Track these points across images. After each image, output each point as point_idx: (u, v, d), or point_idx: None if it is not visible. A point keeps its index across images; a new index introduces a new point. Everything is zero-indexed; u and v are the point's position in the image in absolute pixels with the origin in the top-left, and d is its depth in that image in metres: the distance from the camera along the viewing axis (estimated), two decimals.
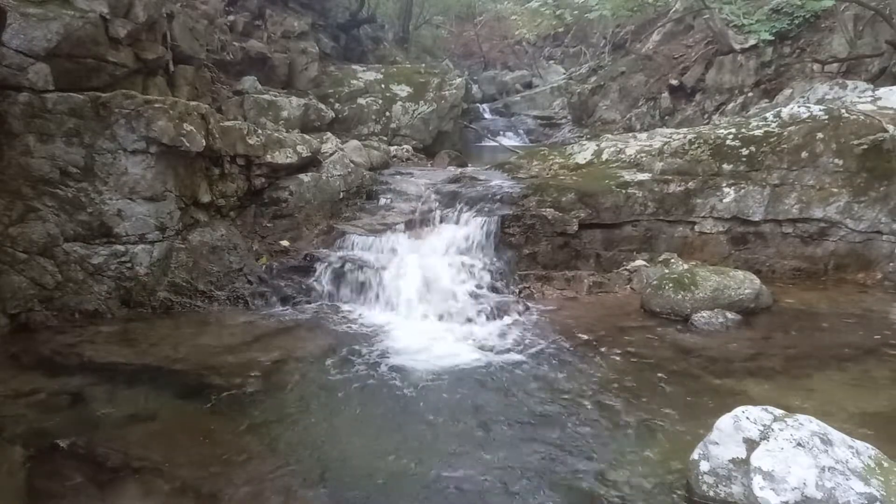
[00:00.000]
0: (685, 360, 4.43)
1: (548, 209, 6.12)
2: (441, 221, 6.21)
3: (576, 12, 13.58)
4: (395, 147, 9.70)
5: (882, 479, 2.54)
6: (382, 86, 11.03)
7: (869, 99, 6.79)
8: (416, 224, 6.22)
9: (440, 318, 5.18)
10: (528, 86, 18.27)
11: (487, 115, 15.70)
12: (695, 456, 2.86)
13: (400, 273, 5.49)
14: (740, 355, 4.51)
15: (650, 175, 6.40)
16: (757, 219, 6.22)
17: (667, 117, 11.47)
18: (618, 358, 4.46)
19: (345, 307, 5.42)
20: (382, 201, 6.85)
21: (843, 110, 6.33)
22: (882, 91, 6.92)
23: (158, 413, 3.68)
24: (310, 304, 5.46)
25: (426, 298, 5.35)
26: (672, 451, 3.23)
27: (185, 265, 5.40)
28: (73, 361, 4.29)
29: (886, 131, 6.02)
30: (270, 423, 3.57)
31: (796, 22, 10.20)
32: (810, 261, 6.22)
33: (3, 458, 3.18)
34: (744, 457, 2.72)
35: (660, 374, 4.18)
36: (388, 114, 10.68)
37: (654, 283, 5.47)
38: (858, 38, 9.46)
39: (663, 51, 12.97)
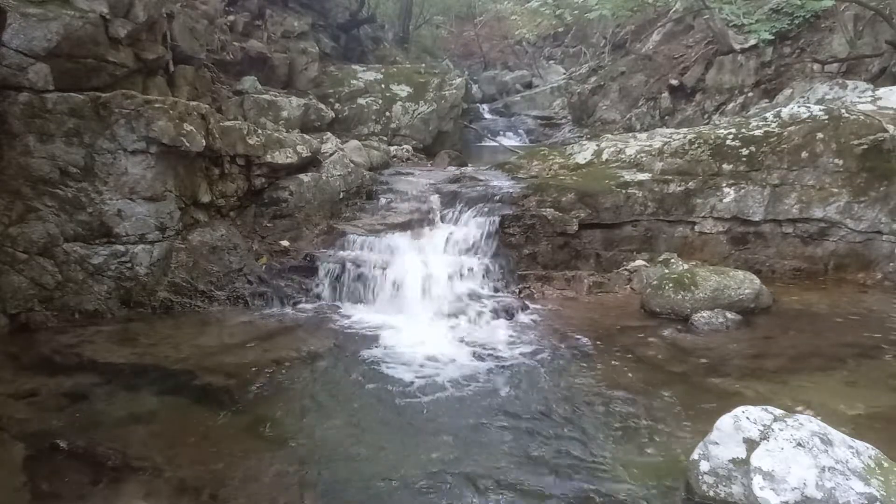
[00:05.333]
0: (685, 361, 4.43)
1: (548, 209, 6.12)
2: (441, 221, 6.21)
3: (576, 12, 13.58)
4: (395, 147, 9.69)
5: (882, 479, 2.54)
6: (382, 86, 11.02)
7: (869, 99, 6.79)
8: (416, 224, 6.22)
9: (440, 318, 5.17)
10: (528, 86, 18.25)
11: (487, 115, 15.68)
12: (695, 456, 2.86)
13: (400, 273, 5.49)
14: (740, 355, 4.51)
15: (650, 175, 6.40)
16: (757, 219, 6.21)
17: (667, 117, 11.46)
18: (617, 358, 4.45)
19: (345, 307, 5.41)
20: (382, 201, 6.85)
21: (843, 110, 6.33)
22: (882, 91, 6.93)
23: (158, 413, 3.68)
24: (310, 304, 5.46)
25: (426, 299, 5.35)
26: (672, 450, 3.23)
27: (185, 265, 5.40)
28: (73, 361, 4.29)
29: (886, 131, 6.03)
30: (271, 423, 3.57)
31: (796, 22, 10.19)
32: (810, 261, 6.22)
33: (3, 458, 3.18)
34: (744, 457, 2.72)
35: (660, 374, 4.18)
36: (388, 114, 10.67)
37: (654, 283, 5.47)
38: (858, 38, 9.45)
39: (663, 51, 12.96)
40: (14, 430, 3.42)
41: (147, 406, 3.76)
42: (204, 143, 5.38)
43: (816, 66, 9.68)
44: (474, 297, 5.45)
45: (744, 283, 5.28)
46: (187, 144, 5.19)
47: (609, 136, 8.18)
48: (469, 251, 5.88)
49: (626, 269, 6.05)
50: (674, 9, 12.94)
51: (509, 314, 5.24)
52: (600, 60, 15.31)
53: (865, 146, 6.03)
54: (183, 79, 7.39)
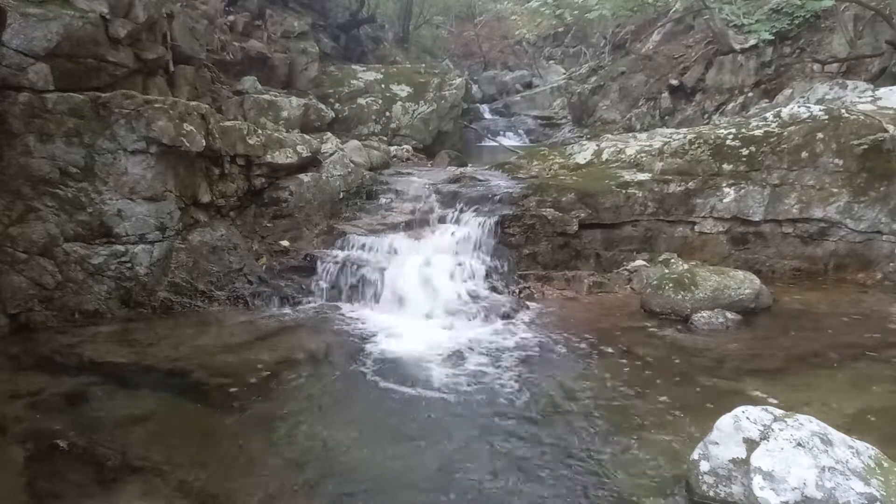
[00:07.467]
0: (685, 360, 4.42)
1: (548, 209, 6.12)
2: (441, 221, 6.21)
3: (576, 12, 13.58)
4: (395, 147, 9.69)
5: (882, 479, 2.54)
6: (382, 86, 11.03)
7: (869, 99, 6.79)
8: (416, 224, 6.21)
9: (440, 318, 5.17)
10: (528, 86, 18.27)
11: (487, 115, 15.69)
12: (695, 456, 2.86)
13: (400, 273, 5.49)
14: (740, 355, 4.51)
15: (650, 175, 6.40)
16: (757, 219, 6.21)
17: (667, 117, 11.47)
18: (618, 358, 4.45)
19: (345, 307, 5.42)
20: (382, 201, 6.85)
21: (843, 110, 6.33)
22: (882, 91, 6.92)
23: (158, 413, 3.68)
24: (310, 304, 5.46)
25: (426, 299, 5.35)
26: (672, 450, 3.23)
27: (185, 265, 5.40)
28: (73, 361, 4.29)
29: (886, 131, 6.02)
30: (271, 423, 3.57)
31: (796, 22, 10.20)
32: (810, 261, 6.22)
33: (3, 458, 3.18)
34: (744, 457, 2.72)
35: (659, 375, 4.18)
36: (388, 114, 10.68)
37: (654, 283, 5.47)
38: (858, 38, 9.46)
39: (663, 51, 12.96)
40: (14, 430, 3.42)
41: (147, 406, 3.76)
42: (204, 143, 5.38)
43: (816, 66, 9.68)
44: (474, 297, 5.45)
45: (744, 283, 5.27)
46: (187, 144, 5.19)
47: (609, 136, 8.18)
48: (469, 251, 5.88)
49: (626, 269, 6.04)
50: (674, 9, 12.95)
51: (509, 314, 5.23)
52: (600, 60, 15.31)
53: (865, 146, 6.02)
54: (183, 79, 7.40)
